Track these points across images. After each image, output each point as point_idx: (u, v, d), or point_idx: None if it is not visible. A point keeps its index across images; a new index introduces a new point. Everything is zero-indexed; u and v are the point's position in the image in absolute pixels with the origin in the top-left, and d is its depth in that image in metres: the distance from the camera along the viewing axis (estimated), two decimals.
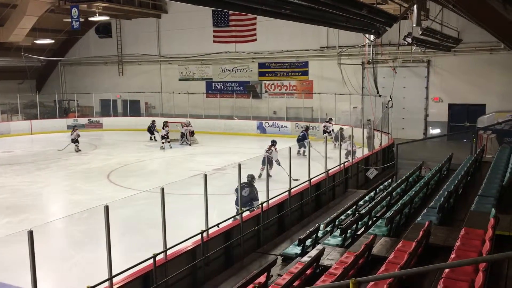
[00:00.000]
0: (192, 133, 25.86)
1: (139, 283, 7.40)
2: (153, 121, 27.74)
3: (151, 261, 7.54)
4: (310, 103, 28.78)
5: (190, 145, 25.35)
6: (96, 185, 17.06)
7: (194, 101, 31.69)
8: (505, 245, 6.38)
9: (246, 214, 10.49)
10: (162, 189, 7.94)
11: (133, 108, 33.74)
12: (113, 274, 6.95)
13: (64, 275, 9.59)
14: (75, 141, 23.60)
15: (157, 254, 7.64)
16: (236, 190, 10.88)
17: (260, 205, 10.71)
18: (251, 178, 11.72)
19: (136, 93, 33.42)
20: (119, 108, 34.87)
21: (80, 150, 23.71)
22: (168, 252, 8.06)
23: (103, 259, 7.08)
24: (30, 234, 5.74)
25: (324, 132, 24.00)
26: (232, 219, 10.22)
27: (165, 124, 24.85)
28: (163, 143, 24.25)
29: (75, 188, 16.77)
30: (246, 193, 11.20)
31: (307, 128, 22.92)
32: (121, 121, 32.55)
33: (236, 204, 10.99)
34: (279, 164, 16.04)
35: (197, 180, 10.19)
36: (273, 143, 17.50)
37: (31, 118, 31.89)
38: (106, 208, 6.91)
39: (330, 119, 25.17)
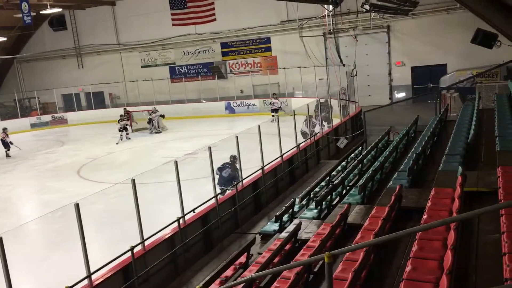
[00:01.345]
0: (162, 116, 25.44)
1: (119, 277, 7.33)
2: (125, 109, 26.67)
3: (129, 253, 7.48)
4: (276, 79, 28.72)
5: (161, 132, 25.01)
6: (66, 182, 16.73)
7: (159, 88, 31.20)
8: (473, 200, 6.57)
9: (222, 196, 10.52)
10: (133, 181, 7.84)
11: (97, 100, 32.97)
12: (92, 271, 6.87)
13: (42, 276, 9.42)
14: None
15: (135, 246, 7.57)
16: (219, 169, 11.16)
17: (234, 186, 10.72)
18: (233, 158, 11.60)
19: (99, 84, 32.63)
20: (83, 101, 34.02)
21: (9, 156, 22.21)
22: (146, 242, 8.00)
23: (81, 257, 6.98)
24: (0, 240, 5.58)
25: (273, 110, 24.03)
26: (214, 199, 10.06)
27: (122, 116, 24.14)
28: (121, 135, 23.47)
29: (45, 188, 16.42)
30: (226, 174, 11.24)
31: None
32: (86, 115, 31.82)
33: (219, 184, 11.12)
34: None
35: (169, 167, 10.09)
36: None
37: None
38: (77, 205, 6.78)
39: (274, 94, 25.15)
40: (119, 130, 23.67)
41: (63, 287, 6.45)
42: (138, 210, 7.87)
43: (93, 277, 6.90)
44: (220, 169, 11.45)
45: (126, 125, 23.99)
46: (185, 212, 8.95)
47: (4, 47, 33.44)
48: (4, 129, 22.44)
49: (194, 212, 9.39)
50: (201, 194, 10.94)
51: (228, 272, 6.93)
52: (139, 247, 7.81)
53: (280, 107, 24.09)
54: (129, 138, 23.94)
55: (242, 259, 7.35)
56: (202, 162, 13.15)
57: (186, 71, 31.73)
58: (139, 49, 32.17)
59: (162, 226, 8.58)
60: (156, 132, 24.94)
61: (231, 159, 11.62)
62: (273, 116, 22.73)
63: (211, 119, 28.14)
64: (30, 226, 11.86)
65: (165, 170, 14.49)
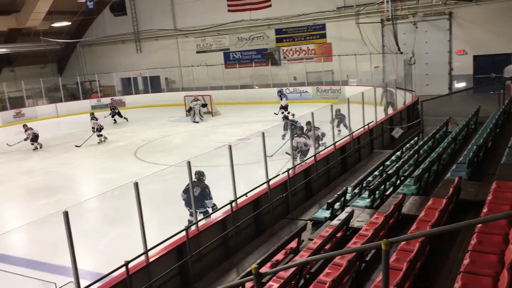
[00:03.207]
0: (204, 106, 25.71)
1: (173, 255, 7.59)
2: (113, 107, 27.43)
3: (184, 233, 7.71)
4: (330, 66, 28.35)
5: (198, 122, 24.89)
6: (124, 163, 17.38)
7: (213, 73, 31.60)
8: None
9: (214, 214, 9.17)
10: (189, 163, 8.04)
11: (153, 84, 33.90)
12: (148, 248, 7.14)
13: (101, 251, 9.90)
14: (33, 139, 20.87)
15: (189, 226, 7.80)
16: (184, 191, 9.47)
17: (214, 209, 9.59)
18: (199, 175, 9.81)
19: (155, 69, 33.48)
20: (140, 85, 35.07)
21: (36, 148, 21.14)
22: (199, 223, 8.22)
23: (138, 234, 7.27)
24: (66, 214, 5.91)
25: (281, 106, 22.49)
26: (266, 184, 9.95)
27: (92, 116, 22.81)
28: (99, 135, 21.80)
29: (104, 167, 17.12)
30: (197, 192, 9.52)
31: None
32: (143, 98, 32.79)
33: (187, 206, 9.58)
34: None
35: (222, 151, 10.26)
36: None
37: (56, 102, 32.38)
38: (136, 184, 7.04)
39: (279, 92, 23.70)
40: (188, 111, 24.45)
41: (121, 261, 6.75)
42: (193, 191, 8.08)
43: (149, 253, 7.17)
44: (186, 191, 9.49)
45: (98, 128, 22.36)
46: (237, 196, 9.10)
47: (68, 32, 34.93)
48: (92, 114, 22.94)
49: (246, 196, 9.52)
50: (253, 179, 11.08)
51: (279, 256, 7.00)
52: (193, 228, 8.03)
53: (285, 106, 22.36)
54: (197, 122, 24.55)
55: (293, 244, 7.40)
56: (254, 148, 13.30)
57: (240, 57, 31.91)
58: (195, 34, 32.65)
59: (214, 209, 8.80)
60: (194, 122, 24.85)
61: (196, 176, 9.70)
62: (281, 113, 22.19)
63: (263, 105, 28.23)
64: (90, 203, 12.46)
65: (217, 154, 14.75)
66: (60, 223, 6.15)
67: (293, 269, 5.47)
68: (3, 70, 33.94)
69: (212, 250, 8.25)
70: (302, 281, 5.88)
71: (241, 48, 31.75)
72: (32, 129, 20.95)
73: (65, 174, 16.75)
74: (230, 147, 9.10)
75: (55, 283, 4.83)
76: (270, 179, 10.12)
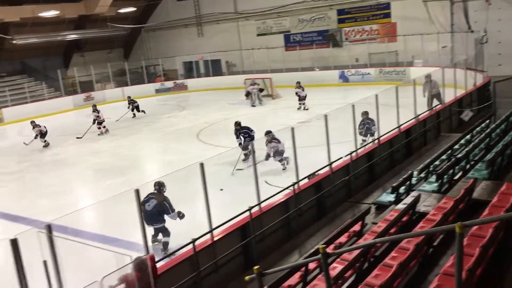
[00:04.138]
0: (261, 90, 25.67)
1: (237, 235, 7.74)
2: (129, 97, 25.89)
3: (247, 213, 7.84)
4: (394, 47, 27.43)
5: (255, 106, 24.91)
6: (187, 145, 17.82)
7: (273, 56, 31.51)
8: None
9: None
10: (252, 144, 8.12)
11: (214, 68, 34.37)
12: (213, 227, 7.33)
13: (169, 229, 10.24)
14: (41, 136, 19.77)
15: (253, 207, 7.92)
16: (143, 202, 8.36)
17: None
18: (159, 186, 8.92)
19: (216, 52, 33.88)
20: (201, 68, 35.67)
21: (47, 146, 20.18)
22: (262, 204, 8.32)
23: (201, 214, 7.48)
24: (137, 192, 6.18)
25: (300, 97, 22.10)
26: (328, 167, 9.84)
27: (94, 109, 21.86)
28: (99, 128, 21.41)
29: (168, 149, 17.64)
30: (150, 207, 8.64)
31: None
32: (204, 81, 33.36)
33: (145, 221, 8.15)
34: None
35: (284, 134, 10.27)
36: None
37: (122, 85, 33.65)
38: (201, 165, 7.22)
39: (298, 82, 22.65)
40: (246, 95, 24.56)
41: (187, 239, 6.97)
42: (255, 173, 8.17)
43: (214, 232, 7.36)
44: (144, 202, 8.65)
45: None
46: (299, 178, 9.10)
47: (133, 17, 36.03)
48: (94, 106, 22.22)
49: (308, 178, 9.51)
50: (314, 162, 11.00)
51: (342, 239, 6.96)
52: (256, 209, 8.14)
53: (303, 97, 22.02)
54: (255, 106, 24.70)
55: (356, 227, 7.33)
56: (315, 131, 13.19)
57: (301, 39, 31.57)
58: (255, 17, 32.62)
59: (276, 191, 8.85)
60: (252, 106, 24.83)
61: (156, 187, 8.93)
62: (300, 104, 22.04)
63: (323, 88, 27.87)
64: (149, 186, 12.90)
65: (279, 136, 14.79)
66: (127, 201, 6.43)
67: (357, 251, 5.43)
68: (74, 56, 35.65)
69: (274, 231, 8.34)
70: (366, 265, 5.83)
71: (301, 30, 31.40)
72: (40, 126, 19.68)
73: (131, 155, 17.43)
74: (292, 129, 9.10)
75: (130, 256, 5.10)
76: (333, 162, 10.02)
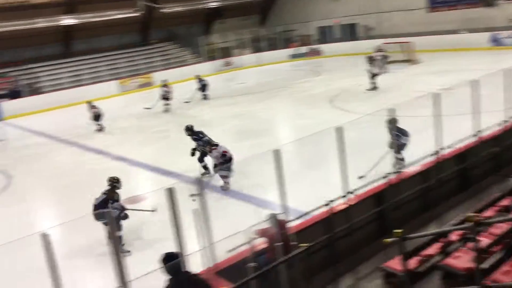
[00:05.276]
0: (385, 57, 24.03)
1: (372, 201, 7.66)
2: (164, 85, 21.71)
3: (384, 180, 7.70)
4: None
5: (378, 74, 23.43)
6: (320, 110, 17.86)
7: (414, 18, 29.64)
8: None
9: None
10: (392, 110, 7.88)
11: (350, 32, 33.50)
12: (349, 191, 7.35)
13: (301, 191, 10.49)
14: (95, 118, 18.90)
15: (390, 174, 7.74)
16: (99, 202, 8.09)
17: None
18: (112, 182, 8.43)
19: (352, 16, 32.89)
20: (337, 33, 35.00)
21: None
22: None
23: (333, 178, 7.51)
24: (277, 153, 6.41)
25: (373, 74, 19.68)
26: (474, 138, 9.26)
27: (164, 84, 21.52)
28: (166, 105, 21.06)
29: (301, 114, 17.84)
30: (117, 212, 8.01)
31: None
32: (339, 47, 32.74)
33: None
34: None
35: (422, 101, 9.71)
36: None
37: (258, 51, 34.58)
38: (339, 129, 7.21)
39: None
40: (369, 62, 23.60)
41: (317, 203, 7.08)
42: (395, 140, 7.93)
43: (349, 197, 7.37)
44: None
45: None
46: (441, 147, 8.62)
47: None
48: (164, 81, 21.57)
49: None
50: (455, 131, 10.28)
51: (489, 213, 6.51)
52: (392, 176, 7.94)
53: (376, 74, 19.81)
54: (377, 74, 23.60)
55: (506, 202, 6.78)
56: (458, 98, 12.29)
57: None
58: None
59: (413, 158, 8.52)
60: (374, 74, 23.58)
61: (108, 183, 8.46)
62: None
63: (470, 52, 25.60)
64: (288, 147, 13.22)
65: (417, 104, 14.05)
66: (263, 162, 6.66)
67: (507, 226, 5.06)
68: (214, 23, 37.44)
69: (411, 200, 8.08)
70: None
71: None
72: (96, 108, 18.90)
73: (267, 119, 18.02)
74: (436, 95, 8.59)
75: (272, 212, 5.40)
76: (479, 131, 9.29)
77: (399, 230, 4.25)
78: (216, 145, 10.76)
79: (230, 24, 36.52)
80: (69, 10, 28.95)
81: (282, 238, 5.61)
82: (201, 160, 11.66)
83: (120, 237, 7.88)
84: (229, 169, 10.46)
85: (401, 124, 9.97)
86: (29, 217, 9.76)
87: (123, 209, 8.22)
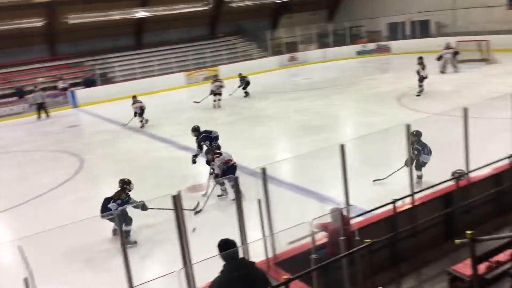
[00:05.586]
0: (456, 54, 22.79)
1: (440, 203, 7.35)
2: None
3: (452, 182, 7.37)
4: None
5: (445, 73, 22.61)
6: (386, 108, 17.41)
7: (493, 15, 28.08)
8: None
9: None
10: (465, 109, 7.50)
11: (422, 29, 32.30)
12: (414, 191, 7.10)
13: (361, 187, 10.26)
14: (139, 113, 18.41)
15: (459, 176, 7.40)
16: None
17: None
18: (123, 183, 8.70)
19: (425, 12, 31.69)
20: (407, 30, 33.88)
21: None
22: (471, 175, 7.70)
23: (397, 177, 7.24)
24: (342, 147, 6.29)
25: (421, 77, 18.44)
26: None
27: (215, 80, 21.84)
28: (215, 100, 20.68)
29: (367, 111, 17.47)
30: (115, 206, 8.31)
31: None
32: (409, 44, 31.66)
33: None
34: None
35: (498, 102, 9.18)
36: None
37: (325, 47, 34.19)
38: (407, 126, 6.99)
39: (420, 58, 19.34)
40: (438, 59, 22.76)
41: (384, 201, 6.89)
42: (466, 141, 7.55)
43: (416, 196, 7.11)
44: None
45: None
46: None
47: None
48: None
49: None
50: None
51: None
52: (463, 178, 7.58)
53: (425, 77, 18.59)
54: (444, 73, 22.75)
55: None
56: None
57: None
58: None
59: (485, 162, 8.08)
60: (441, 72, 22.52)
61: (120, 184, 8.72)
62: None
63: None
64: (348, 145, 12.93)
65: (492, 105, 13.38)
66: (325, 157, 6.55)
67: None
68: (281, 18, 37.42)
69: (483, 204, 7.67)
70: None
71: None
72: (141, 102, 18.37)
73: (332, 114, 17.81)
74: None
75: (337, 206, 5.34)
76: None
77: (471, 231, 4.04)
78: (220, 153, 10.12)
79: (297, 19, 36.35)
80: (143, 3, 30.05)
81: (345, 233, 5.52)
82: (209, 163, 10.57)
83: (127, 231, 8.29)
84: (230, 178, 9.51)
85: (472, 126, 9.52)
86: (99, 198, 10.21)
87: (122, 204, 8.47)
